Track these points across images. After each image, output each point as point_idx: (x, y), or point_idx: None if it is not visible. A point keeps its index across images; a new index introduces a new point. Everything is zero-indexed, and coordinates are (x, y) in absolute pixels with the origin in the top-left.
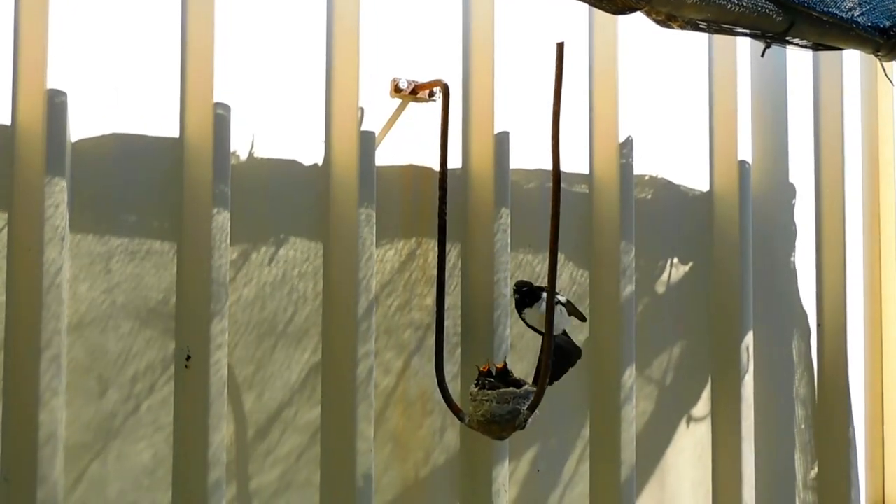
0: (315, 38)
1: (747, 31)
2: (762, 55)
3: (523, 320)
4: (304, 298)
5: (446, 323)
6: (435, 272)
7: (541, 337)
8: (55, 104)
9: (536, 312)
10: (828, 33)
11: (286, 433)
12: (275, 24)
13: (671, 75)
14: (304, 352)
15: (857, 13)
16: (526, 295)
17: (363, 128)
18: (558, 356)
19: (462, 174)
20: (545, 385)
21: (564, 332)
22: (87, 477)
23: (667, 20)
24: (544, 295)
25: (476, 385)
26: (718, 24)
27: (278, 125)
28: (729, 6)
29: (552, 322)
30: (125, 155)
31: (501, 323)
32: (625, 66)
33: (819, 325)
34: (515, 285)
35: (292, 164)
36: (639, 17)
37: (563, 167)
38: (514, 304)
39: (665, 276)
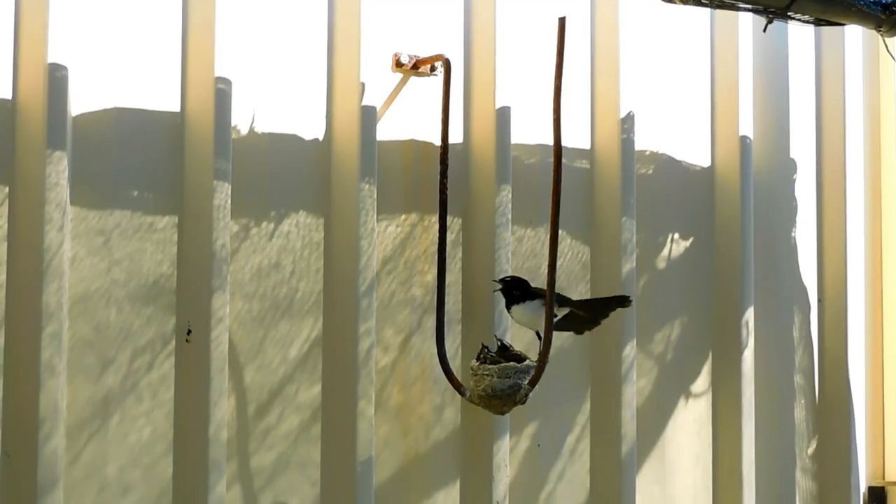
0: (316, 12)
1: (749, 6)
2: (764, 30)
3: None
4: (305, 273)
5: (447, 299)
6: (436, 248)
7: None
8: (56, 78)
9: (522, 311)
10: (829, 9)
11: (287, 410)
12: None
13: (673, 51)
14: (305, 327)
15: None
16: (513, 287)
17: (364, 102)
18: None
19: (463, 149)
20: (546, 360)
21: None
22: (86, 453)
23: None
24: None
25: (477, 359)
26: None
27: (279, 100)
28: None
29: (552, 297)
30: (126, 129)
31: (502, 299)
32: (626, 42)
33: (819, 301)
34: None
35: (293, 139)
36: None
37: (564, 142)
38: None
39: (666, 251)
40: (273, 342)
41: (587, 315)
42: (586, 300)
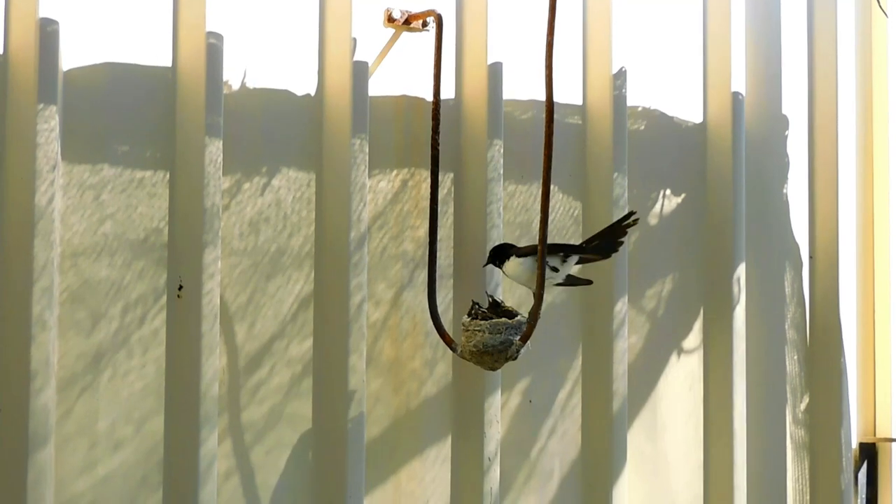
0: None
1: None
2: None
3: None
4: (296, 228)
5: (438, 254)
6: (427, 203)
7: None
8: (47, 33)
9: (518, 266)
10: None
11: (278, 364)
12: None
13: (665, 6)
14: (297, 282)
15: None
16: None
17: (356, 58)
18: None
19: (455, 105)
20: (538, 316)
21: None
22: (78, 408)
23: None
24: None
25: (468, 315)
26: None
27: (271, 55)
28: None
29: (545, 252)
30: (117, 84)
31: None
32: None
33: (811, 257)
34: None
35: (285, 94)
36: None
37: (557, 98)
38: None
39: (658, 207)
40: (264, 297)
41: (600, 255)
42: (592, 238)
